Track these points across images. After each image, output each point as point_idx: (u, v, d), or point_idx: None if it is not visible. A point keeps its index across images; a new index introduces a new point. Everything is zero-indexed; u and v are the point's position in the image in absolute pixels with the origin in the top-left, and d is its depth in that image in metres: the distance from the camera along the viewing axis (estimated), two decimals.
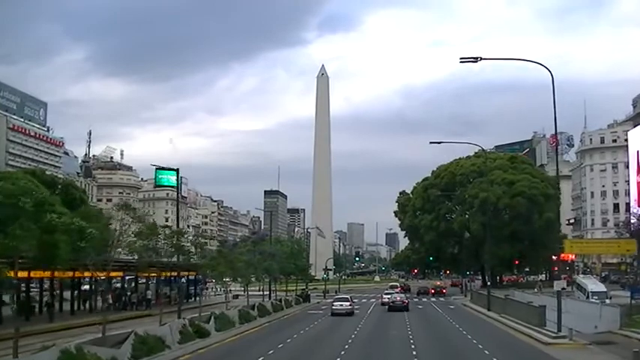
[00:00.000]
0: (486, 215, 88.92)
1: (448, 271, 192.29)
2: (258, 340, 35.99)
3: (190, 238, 41.33)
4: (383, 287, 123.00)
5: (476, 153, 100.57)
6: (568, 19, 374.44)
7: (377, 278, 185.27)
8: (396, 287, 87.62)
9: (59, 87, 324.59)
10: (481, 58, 36.18)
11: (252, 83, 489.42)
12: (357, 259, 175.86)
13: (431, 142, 55.53)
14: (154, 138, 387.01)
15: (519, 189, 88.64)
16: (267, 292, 75.02)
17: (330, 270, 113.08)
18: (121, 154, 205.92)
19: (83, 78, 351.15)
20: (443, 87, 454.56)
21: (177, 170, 54.26)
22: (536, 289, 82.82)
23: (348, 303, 53.27)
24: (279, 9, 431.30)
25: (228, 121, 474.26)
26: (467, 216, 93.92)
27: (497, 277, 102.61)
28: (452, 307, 65.34)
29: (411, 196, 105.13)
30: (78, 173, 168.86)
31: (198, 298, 63.56)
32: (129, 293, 56.56)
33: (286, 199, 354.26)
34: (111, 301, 49.36)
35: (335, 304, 53.50)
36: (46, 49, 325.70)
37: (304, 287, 79.03)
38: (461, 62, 35.93)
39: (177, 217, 41.27)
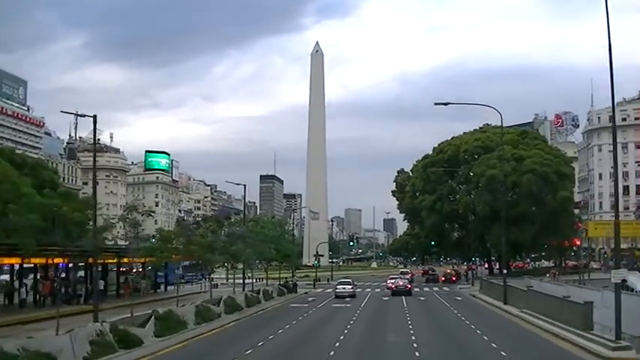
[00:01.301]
0: (494, 194, 79.55)
1: (448, 258, 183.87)
2: (210, 349, 26.49)
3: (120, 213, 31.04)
4: (381, 275, 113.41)
5: (481, 127, 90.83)
6: (568, 5, 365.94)
7: (374, 264, 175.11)
8: (407, 274, 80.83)
9: (56, 74, 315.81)
10: None
11: (249, 70, 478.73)
12: (352, 243, 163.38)
13: (436, 104, 45.15)
14: (150, 124, 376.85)
15: (530, 166, 78.85)
16: (255, 280, 65.72)
17: (322, 256, 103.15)
18: (111, 137, 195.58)
19: (80, 65, 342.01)
20: (441, 73, 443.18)
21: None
22: (548, 276, 73.36)
23: (350, 286, 57.83)
24: None
25: (224, 107, 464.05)
26: (472, 196, 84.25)
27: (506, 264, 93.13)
28: (459, 298, 55.69)
29: (410, 174, 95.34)
30: (61, 155, 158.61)
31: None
32: (78, 284, 46.71)
33: (282, 184, 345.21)
34: (23, 296, 39.72)
35: (338, 287, 57.93)
36: (43, 37, 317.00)
37: (291, 275, 68.92)
38: None
39: (94, 178, 30.26)
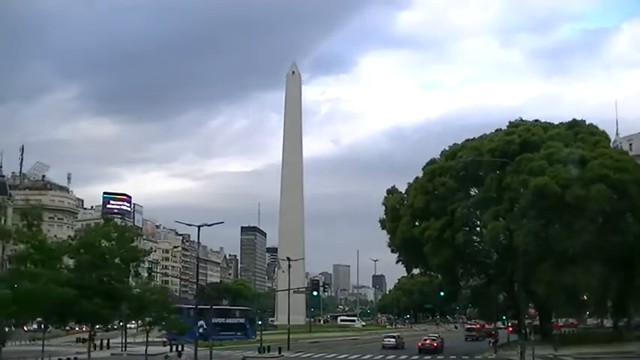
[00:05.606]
0: (544, 216, 48.80)
1: (447, 315, 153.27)
2: None
3: None
4: (365, 338, 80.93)
5: (511, 122, 58.85)
6: (562, 61, 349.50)
7: (358, 324, 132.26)
8: (472, 330, 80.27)
9: (48, 127, 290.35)
10: None
11: (241, 125, 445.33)
12: (315, 293, 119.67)
13: None
14: (143, 179, 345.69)
15: (598, 171, 47.32)
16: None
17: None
18: (68, 179, 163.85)
19: (72, 118, 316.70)
20: (433, 128, 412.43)
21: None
22: None
23: (394, 340, 62.31)
24: (271, 50, 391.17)
25: (216, 163, 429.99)
26: (502, 220, 51.98)
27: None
28: None
29: (405, 196, 62.92)
30: None
31: None
32: None
33: (265, 237, 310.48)
34: None
35: (385, 339, 63.37)
36: (36, 89, 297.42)
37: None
38: None
39: None
